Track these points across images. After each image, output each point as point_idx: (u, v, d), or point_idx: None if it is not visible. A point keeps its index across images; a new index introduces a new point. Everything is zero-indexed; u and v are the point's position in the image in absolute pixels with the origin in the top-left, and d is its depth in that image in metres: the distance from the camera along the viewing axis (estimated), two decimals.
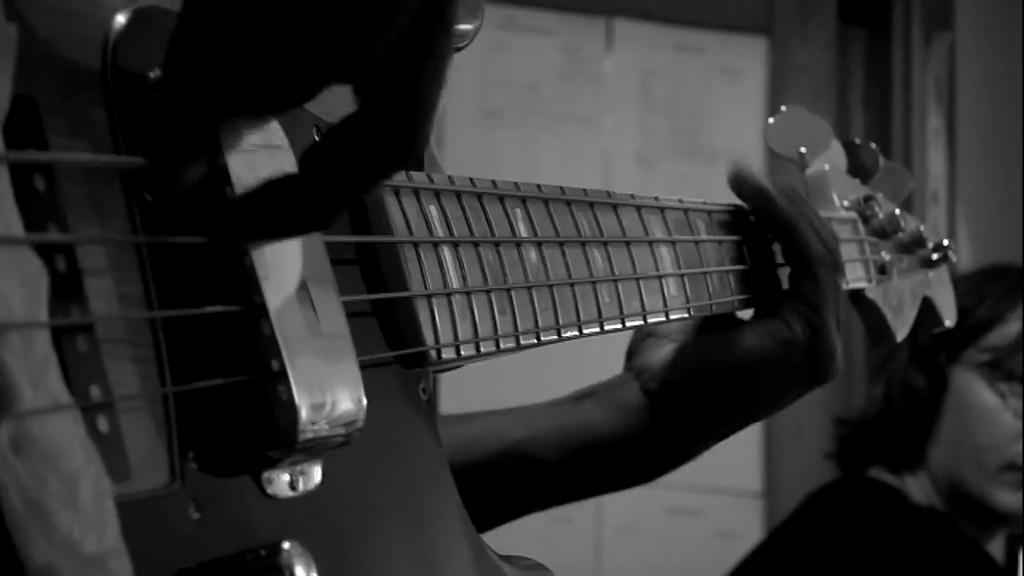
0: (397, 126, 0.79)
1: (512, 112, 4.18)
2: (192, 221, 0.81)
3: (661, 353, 1.44)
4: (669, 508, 4.14)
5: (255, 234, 0.81)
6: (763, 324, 1.43)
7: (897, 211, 1.79)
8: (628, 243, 1.25)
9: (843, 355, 1.47)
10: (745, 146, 4.26)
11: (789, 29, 4.39)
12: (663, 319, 1.30)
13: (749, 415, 1.46)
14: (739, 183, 1.46)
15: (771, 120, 1.73)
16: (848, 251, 1.68)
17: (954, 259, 1.88)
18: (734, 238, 1.44)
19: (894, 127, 4.49)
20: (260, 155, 0.84)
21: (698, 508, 4.20)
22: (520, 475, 1.12)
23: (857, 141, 1.81)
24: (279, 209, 0.79)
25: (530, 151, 4.17)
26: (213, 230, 0.81)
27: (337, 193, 0.79)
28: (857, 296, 1.74)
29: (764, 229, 1.46)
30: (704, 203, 1.41)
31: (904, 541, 2.80)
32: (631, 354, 1.49)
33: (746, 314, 1.47)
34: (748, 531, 4.08)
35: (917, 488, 2.91)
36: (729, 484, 4.20)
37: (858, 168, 1.79)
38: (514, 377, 3.84)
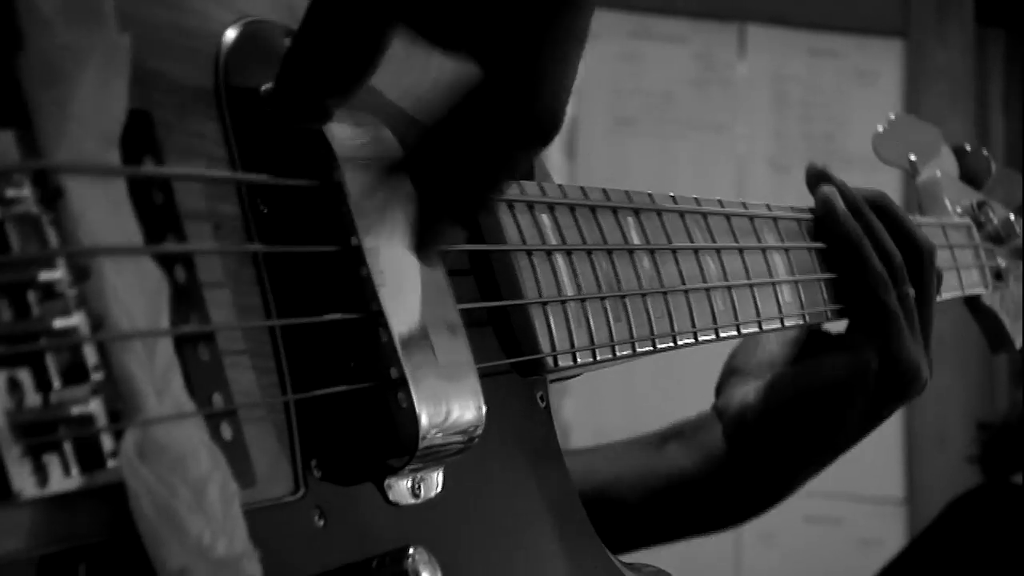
0: (541, 101, 0.78)
1: (645, 120, 4.18)
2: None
3: (739, 393, 1.42)
4: (809, 516, 4.10)
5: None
6: (832, 357, 1.38)
7: (1012, 216, 1.77)
8: (741, 250, 1.24)
9: (928, 365, 1.40)
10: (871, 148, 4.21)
11: (925, 31, 4.34)
12: (778, 326, 1.29)
13: (830, 450, 1.42)
14: (810, 188, 1.42)
15: (879, 128, 1.72)
16: (963, 257, 1.66)
17: None
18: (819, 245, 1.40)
19: None
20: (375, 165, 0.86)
21: (838, 516, 4.16)
22: (603, 517, 1.09)
23: (968, 147, 1.79)
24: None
25: (664, 159, 4.16)
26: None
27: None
28: (974, 303, 1.72)
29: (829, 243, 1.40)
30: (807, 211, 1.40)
31: None
32: (718, 391, 1.46)
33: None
34: (890, 539, 4.04)
35: None
36: (870, 491, 4.15)
37: (970, 174, 1.77)
38: (646, 378, 3.83)
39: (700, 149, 4.20)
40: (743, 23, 4.25)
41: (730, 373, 1.45)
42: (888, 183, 4.38)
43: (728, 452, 1.42)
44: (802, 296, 1.33)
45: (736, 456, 1.41)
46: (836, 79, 4.31)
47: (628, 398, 3.93)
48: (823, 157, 4.25)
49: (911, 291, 1.39)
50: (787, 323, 1.30)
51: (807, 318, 1.33)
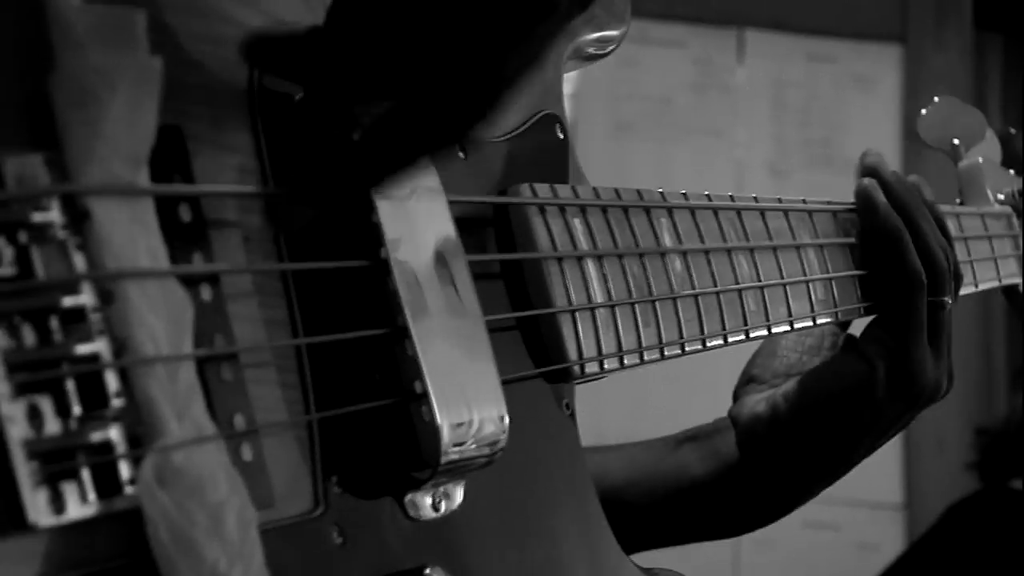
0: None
1: (644, 125, 4.18)
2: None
3: (751, 403, 1.38)
4: (807, 521, 4.10)
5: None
6: (840, 362, 1.33)
7: None
8: (775, 248, 1.23)
9: (939, 378, 1.34)
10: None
11: (924, 36, 4.34)
12: (810, 324, 1.27)
13: (842, 461, 1.37)
14: (861, 174, 1.37)
15: (924, 111, 1.69)
16: (1002, 246, 1.64)
17: None
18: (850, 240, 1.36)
19: None
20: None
21: (837, 521, 4.16)
22: (610, 519, 1.08)
23: (1012, 131, 1.77)
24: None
25: (663, 163, 4.16)
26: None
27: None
28: (1011, 292, 1.70)
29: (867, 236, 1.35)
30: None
31: None
32: (735, 397, 1.42)
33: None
34: (888, 544, 4.04)
35: None
36: (868, 497, 4.15)
37: (1013, 160, 1.75)
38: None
39: (699, 154, 4.20)
40: (742, 28, 4.25)
41: (747, 380, 1.41)
42: None
43: (740, 461, 1.38)
44: (835, 293, 1.30)
45: (747, 465, 1.38)
46: (835, 84, 4.31)
47: (631, 398, 3.93)
48: (821, 162, 4.28)
49: (949, 301, 1.34)
50: (819, 321, 1.27)
51: (840, 315, 1.31)
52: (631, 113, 4.16)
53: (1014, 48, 4.52)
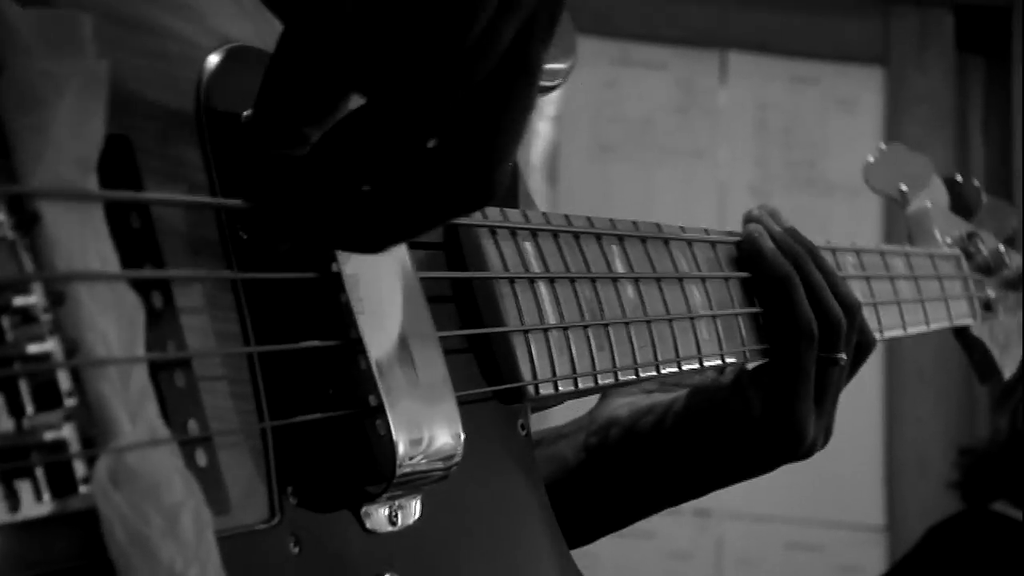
0: (473, 171, 0.77)
1: (626, 146, 4.19)
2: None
3: (615, 405, 1.34)
4: (790, 543, 4.10)
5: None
6: (721, 391, 1.27)
7: (1001, 247, 1.78)
8: (727, 279, 1.24)
9: (816, 436, 1.28)
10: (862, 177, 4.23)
11: (906, 58, 4.35)
12: (762, 360, 1.27)
13: (689, 487, 1.31)
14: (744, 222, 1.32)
15: (870, 159, 1.72)
16: (952, 288, 1.66)
17: None
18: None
19: (1014, 157, 4.43)
20: None
21: (819, 543, 4.16)
22: None
23: (959, 178, 1.80)
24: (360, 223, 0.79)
25: (645, 185, 4.17)
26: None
27: (409, 225, 0.79)
28: (963, 334, 1.72)
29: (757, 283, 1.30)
30: None
31: None
32: (602, 396, 1.37)
33: None
34: (870, 566, 4.04)
35: None
36: (851, 518, 4.15)
37: (961, 205, 1.77)
38: None
39: (681, 175, 4.21)
40: (724, 50, 4.27)
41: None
42: (870, 210, 4.37)
43: (582, 465, 1.32)
44: (742, 330, 1.27)
45: (587, 467, 1.32)
46: (817, 106, 4.33)
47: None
48: (804, 184, 4.28)
49: (843, 358, 1.29)
50: (767, 356, 1.27)
51: (747, 355, 1.27)
52: (613, 134, 4.17)
53: (996, 70, 4.54)
